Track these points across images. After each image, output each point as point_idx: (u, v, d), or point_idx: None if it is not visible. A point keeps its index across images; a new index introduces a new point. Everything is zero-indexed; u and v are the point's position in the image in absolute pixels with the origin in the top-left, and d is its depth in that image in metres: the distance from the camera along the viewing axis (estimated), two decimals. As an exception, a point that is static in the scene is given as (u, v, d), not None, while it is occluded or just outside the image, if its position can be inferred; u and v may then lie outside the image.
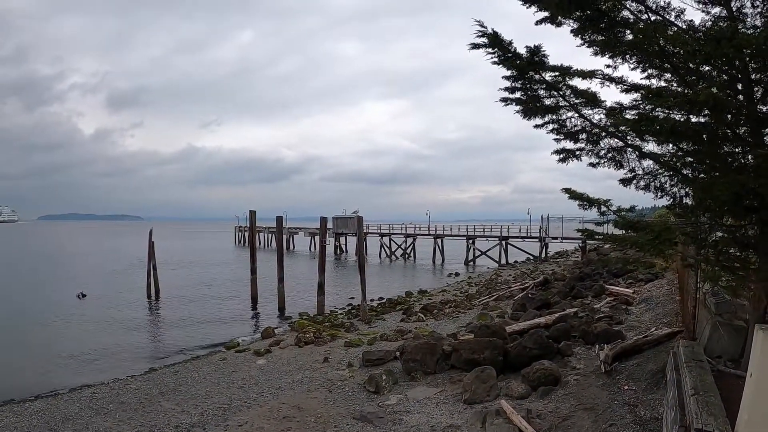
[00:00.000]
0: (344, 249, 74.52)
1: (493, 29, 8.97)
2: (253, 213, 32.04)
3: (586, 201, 8.99)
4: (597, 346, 11.23)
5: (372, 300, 28.74)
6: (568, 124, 9.74)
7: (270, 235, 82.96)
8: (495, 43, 9.05)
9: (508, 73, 9.50)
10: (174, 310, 29.37)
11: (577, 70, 8.94)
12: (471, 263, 57.79)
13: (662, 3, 7.60)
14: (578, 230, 12.19)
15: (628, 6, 7.77)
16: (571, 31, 8.53)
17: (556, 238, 53.64)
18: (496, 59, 9.23)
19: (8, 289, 38.06)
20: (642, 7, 7.69)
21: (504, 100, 9.97)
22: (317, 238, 75.16)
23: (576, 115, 9.51)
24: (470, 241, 60.15)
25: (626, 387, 8.80)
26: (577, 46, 8.68)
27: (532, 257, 55.89)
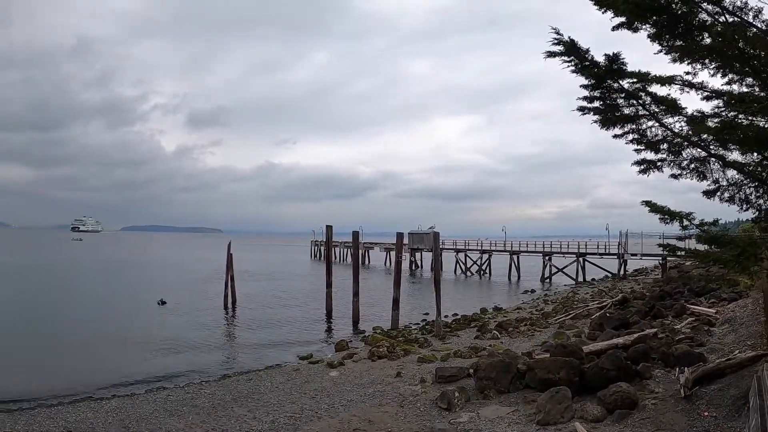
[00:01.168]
0: (419, 264, 74.25)
1: (569, 37, 8.76)
2: (329, 228, 32.39)
3: (667, 214, 8.61)
4: (677, 369, 10.62)
5: (446, 316, 28.46)
6: (648, 133, 9.39)
7: (346, 250, 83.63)
8: (572, 50, 8.83)
9: (586, 81, 9.27)
10: (249, 319, 30.11)
11: (655, 76, 8.61)
12: (547, 280, 56.28)
13: (739, 3, 7.22)
14: (660, 245, 11.71)
15: (704, 8, 7.42)
16: (648, 37, 8.23)
17: (635, 255, 51.30)
18: (573, 68, 9.01)
19: (92, 295, 40.10)
20: (718, 9, 7.33)
21: (582, 109, 9.72)
22: (392, 253, 75.67)
23: (656, 123, 9.15)
24: (546, 258, 58.50)
25: (706, 413, 8.25)
26: (655, 53, 8.39)
27: (610, 275, 53.56)
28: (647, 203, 9.01)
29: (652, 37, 8.17)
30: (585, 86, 9.39)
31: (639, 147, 9.58)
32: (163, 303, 34.39)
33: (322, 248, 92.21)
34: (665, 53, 8.26)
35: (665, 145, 9.24)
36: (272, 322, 29.24)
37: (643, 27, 8.14)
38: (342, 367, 16.81)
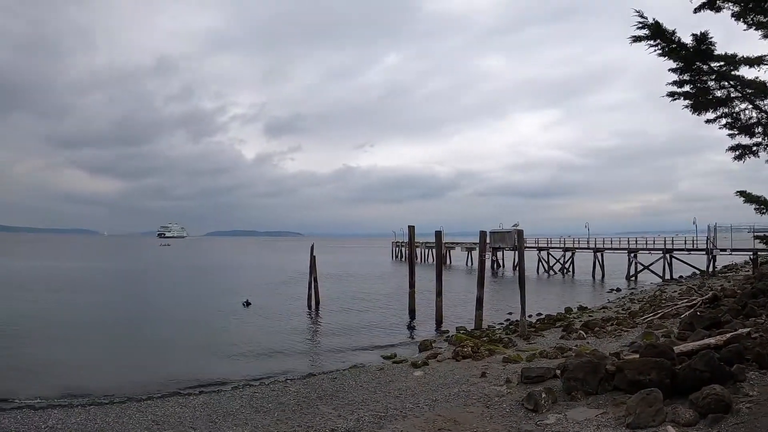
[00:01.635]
0: (501, 264, 73.39)
1: (654, 19, 8.42)
2: (412, 228, 32.44)
3: (763, 204, 8.16)
4: (773, 370, 10.03)
5: (530, 316, 27.99)
6: (742, 116, 8.94)
7: (427, 250, 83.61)
8: (658, 33, 8.50)
9: (674, 65, 8.91)
10: (333, 320, 30.64)
11: (743, 57, 8.18)
12: (633, 278, 54.54)
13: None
14: (756, 236, 11.12)
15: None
16: (732, 15, 7.83)
17: (724, 250, 48.78)
18: (659, 51, 8.67)
19: (180, 296, 41.80)
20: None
21: (671, 94, 9.35)
22: (474, 252, 75.09)
23: (750, 106, 8.69)
24: (632, 255, 56.75)
25: None
26: (744, 30, 7.97)
27: (698, 272, 50.86)
28: (742, 193, 8.59)
29: (737, 16, 7.79)
30: (673, 70, 9.04)
31: (733, 132, 9.16)
32: (248, 304, 35.40)
33: (403, 249, 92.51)
34: (755, 29, 7.85)
35: (760, 129, 8.78)
36: (355, 322, 29.60)
37: (726, 5, 7.76)
38: (426, 366, 16.79)
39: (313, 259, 34.66)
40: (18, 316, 30.29)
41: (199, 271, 72.80)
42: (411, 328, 28.01)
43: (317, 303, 34.57)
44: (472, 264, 73.83)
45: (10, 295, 39.39)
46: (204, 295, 42.32)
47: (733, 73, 8.58)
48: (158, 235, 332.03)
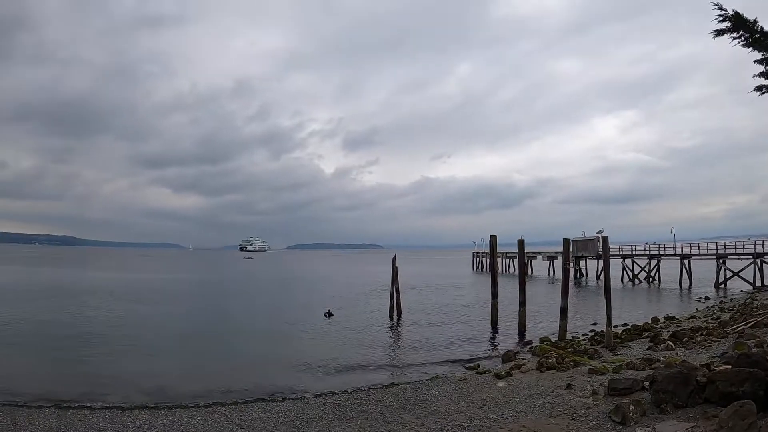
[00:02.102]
0: (584, 273, 71.76)
1: (734, 10, 8.26)
2: (494, 237, 32.32)
3: None
4: None
5: (615, 326, 27.41)
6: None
7: (508, 260, 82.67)
8: (740, 24, 8.31)
9: (760, 56, 8.68)
10: (414, 330, 30.82)
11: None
12: (722, 286, 52.13)
13: None
14: None
15: None
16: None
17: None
18: (743, 42, 8.47)
19: (264, 306, 43.18)
20: None
21: (760, 88, 9.09)
22: (556, 262, 73.79)
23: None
24: (720, 261, 54.21)
25: None
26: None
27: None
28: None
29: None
30: (759, 61, 8.81)
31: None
32: (330, 315, 36.06)
33: (484, 259, 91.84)
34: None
35: None
36: (437, 333, 29.65)
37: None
38: (510, 377, 16.76)
39: (395, 270, 34.99)
40: (112, 324, 32.42)
41: (281, 282, 74.61)
42: (493, 338, 27.87)
43: (399, 314, 34.83)
44: (554, 273, 72.63)
45: (106, 305, 41.91)
46: (287, 306, 43.40)
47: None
48: (240, 248, 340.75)
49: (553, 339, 25.08)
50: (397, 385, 17.63)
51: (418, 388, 16.46)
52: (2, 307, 39.47)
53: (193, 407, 15.38)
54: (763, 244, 53.57)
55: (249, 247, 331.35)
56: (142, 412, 14.65)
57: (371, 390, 16.87)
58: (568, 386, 14.47)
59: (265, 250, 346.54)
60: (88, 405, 15.88)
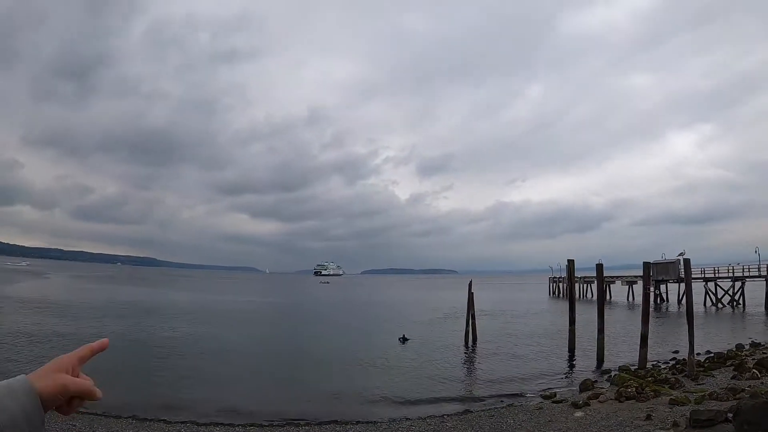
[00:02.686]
0: (665, 297, 69.28)
1: None
2: (571, 262, 31.86)
3: None
4: None
5: (698, 354, 26.43)
6: None
7: (585, 286, 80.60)
8: None
9: None
10: (489, 356, 30.62)
11: None
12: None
13: None
14: None
15: None
16: None
17: None
18: None
19: (341, 330, 43.82)
20: None
21: None
22: (635, 286, 71.54)
23: None
24: (810, 283, 51.28)
25: None
26: None
27: None
28: None
29: None
30: None
31: None
32: (405, 340, 36.13)
33: (561, 285, 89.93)
34: None
35: None
36: (513, 359, 29.39)
37: None
38: (587, 407, 16.48)
39: (471, 295, 34.85)
40: (191, 343, 34.30)
41: (357, 307, 75.43)
42: (571, 366, 27.34)
43: (474, 339, 34.59)
44: (633, 299, 70.47)
45: (186, 324, 43.96)
46: (362, 330, 43.89)
47: None
48: (314, 273, 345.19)
49: (633, 367, 24.35)
50: (472, 412, 17.65)
51: (493, 416, 16.43)
52: (91, 321, 42.07)
53: (267, 426, 15.85)
54: None
55: (323, 272, 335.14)
56: (217, 429, 15.25)
57: (445, 417, 16.96)
58: (648, 417, 14.13)
59: (339, 275, 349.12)
60: (164, 418, 16.70)
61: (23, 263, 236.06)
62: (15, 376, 1.62)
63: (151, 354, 29.42)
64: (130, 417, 16.67)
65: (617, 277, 79.89)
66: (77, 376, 1.74)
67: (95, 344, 1.80)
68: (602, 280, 31.12)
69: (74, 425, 14.76)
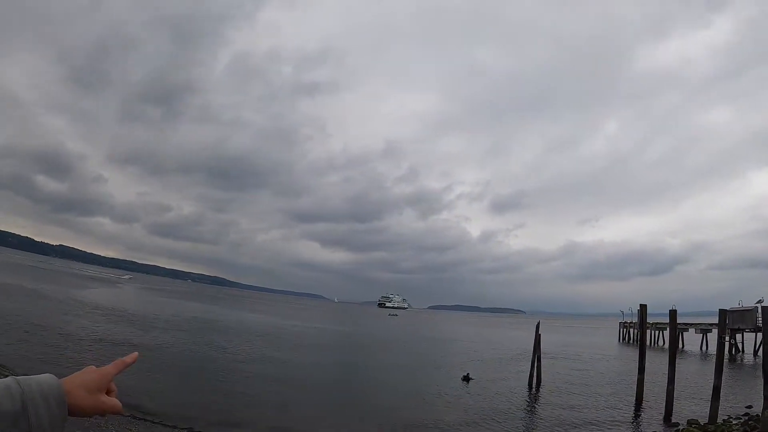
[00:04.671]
0: (740, 348, 66.29)
1: None
2: (643, 307, 31.22)
3: None
4: None
5: (773, 409, 25.53)
6: None
7: (657, 332, 77.88)
8: None
9: None
10: (553, 402, 30.09)
11: None
12: None
13: None
14: None
15: None
16: None
17: None
18: None
19: (405, 364, 44.12)
20: None
21: None
22: (710, 335, 68.67)
23: None
24: None
25: None
26: None
27: None
28: None
29: None
30: None
31: None
32: (468, 379, 35.88)
33: (632, 330, 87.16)
34: None
35: None
36: (577, 406, 28.89)
37: None
38: (651, 460, 16.33)
39: (538, 337, 34.47)
40: (255, 362, 35.70)
41: (423, 341, 75.57)
42: (637, 417, 26.58)
43: (539, 383, 34.05)
44: (707, 348, 67.87)
45: (254, 344, 45.48)
46: (426, 366, 43.94)
47: None
48: (378, 304, 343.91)
49: (702, 422, 23.69)
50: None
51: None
52: (159, 333, 44.16)
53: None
54: None
55: (388, 304, 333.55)
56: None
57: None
58: (715, 473, 13.96)
59: (404, 308, 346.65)
60: None
61: (126, 276, 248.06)
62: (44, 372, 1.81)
63: (215, 370, 30.89)
64: (186, 428, 17.59)
65: (691, 324, 76.79)
66: (110, 390, 1.91)
67: (128, 358, 1.97)
68: (675, 327, 30.25)
69: (130, 430, 15.74)
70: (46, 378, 1.76)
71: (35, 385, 1.71)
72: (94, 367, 1.88)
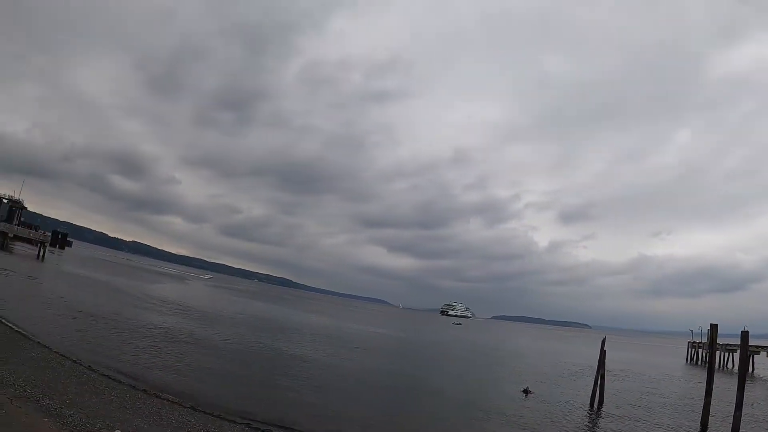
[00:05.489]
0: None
1: None
2: (714, 327, 30.42)
3: None
4: None
5: None
6: None
7: (727, 354, 75.19)
8: None
9: None
10: (615, 422, 29.60)
11: None
12: None
13: None
14: None
15: None
16: None
17: None
18: None
19: (465, 373, 44.58)
20: None
21: None
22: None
23: None
24: None
25: None
26: None
27: None
28: None
29: None
30: None
31: None
32: (528, 392, 35.78)
33: (700, 351, 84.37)
34: None
35: None
36: (639, 428, 28.45)
37: None
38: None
39: (603, 353, 33.50)
40: (318, 362, 36.96)
41: (485, 351, 75.60)
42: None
43: (601, 402, 33.25)
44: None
45: (318, 345, 46.71)
46: (486, 376, 44.27)
47: None
48: (441, 312, 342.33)
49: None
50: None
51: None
52: (226, 329, 45.67)
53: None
54: None
55: (450, 312, 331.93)
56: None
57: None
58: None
59: (467, 317, 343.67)
60: (275, 429, 18.25)
61: (205, 276, 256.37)
62: None
63: (274, 368, 32.00)
64: (244, 423, 18.35)
65: (763, 347, 73.84)
66: None
67: None
68: (746, 349, 29.37)
69: (189, 421, 16.53)
70: None
71: None
72: None
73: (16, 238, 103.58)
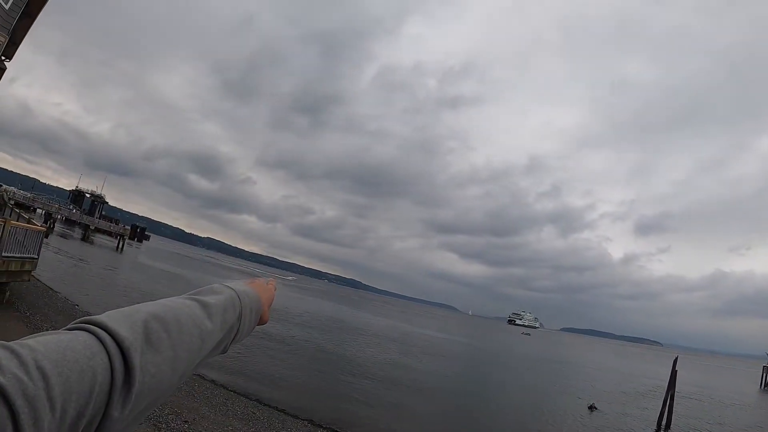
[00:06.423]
0: None
1: None
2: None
3: None
4: None
5: None
6: None
7: (802, 381, 72.50)
8: None
9: None
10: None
11: None
12: None
13: None
14: None
15: None
16: None
17: None
18: None
19: (531, 384, 44.80)
20: None
21: None
22: None
23: None
24: None
25: None
26: None
27: None
28: None
29: None
30: None
31: None
32: (594, 408, 35.67)
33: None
34: None
35: None
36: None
37: None
38: None
39: (674, 373, 33.47)
40: (382, 365, 37.85)
41: (553, 364, 75.00)
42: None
43: (668, 424, 32.90)
44: None
45: (384, 349, 47.25)
46: (552, 388, 44.08)
47: None
48: (508, 321, 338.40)
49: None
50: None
51: None
52: (295, 328, 47.69)
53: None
54: None
55: (518, 321, 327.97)
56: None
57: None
58: None
59: (535, 327, 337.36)
60: (336, 429, 19.32)
61: (290, 277, 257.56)
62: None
63: (339, 367, 33.09)
64: (306, 420, 19.56)
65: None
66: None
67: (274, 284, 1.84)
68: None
69: (254, 413, 17.80)
70: (251, 291, 1.79)
71: (247, 299, 1.79)
72: (271, 283, 1.83)
73: (98, 230, 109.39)
